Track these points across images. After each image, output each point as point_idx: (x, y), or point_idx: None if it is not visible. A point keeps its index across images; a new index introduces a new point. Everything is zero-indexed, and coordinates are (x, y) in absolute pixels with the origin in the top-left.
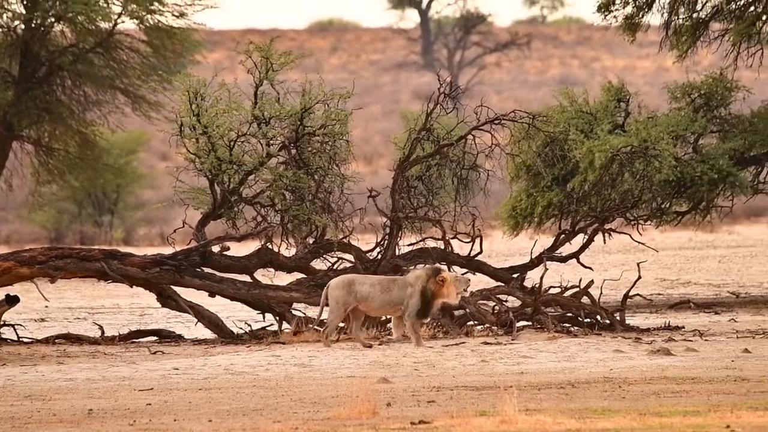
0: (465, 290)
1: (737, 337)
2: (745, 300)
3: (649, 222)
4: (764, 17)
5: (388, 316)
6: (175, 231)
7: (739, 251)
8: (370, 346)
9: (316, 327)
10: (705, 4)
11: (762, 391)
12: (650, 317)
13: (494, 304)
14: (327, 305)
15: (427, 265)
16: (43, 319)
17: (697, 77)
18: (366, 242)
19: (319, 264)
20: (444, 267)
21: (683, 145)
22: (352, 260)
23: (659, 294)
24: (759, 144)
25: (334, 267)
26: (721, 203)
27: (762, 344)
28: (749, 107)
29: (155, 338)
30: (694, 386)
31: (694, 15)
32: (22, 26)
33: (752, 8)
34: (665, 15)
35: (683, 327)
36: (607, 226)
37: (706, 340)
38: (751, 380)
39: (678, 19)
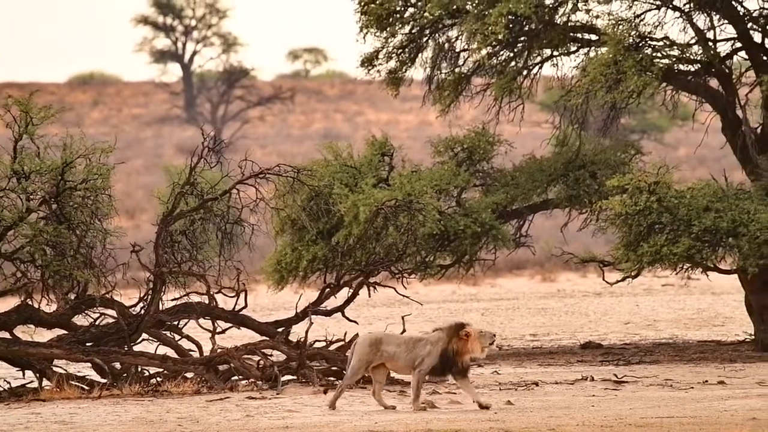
0: (491, 344)
1: (500, 390)
2: (507, 352)
3: (413, 275)
4: (525, 72)
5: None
6: None
7: (501, 304)
8: (394, 408)
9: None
10: (467, 59)
11: None
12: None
13: (259, 358)
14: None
15: (450, 323)
16: None
17: (459, 131)
18: (129, 297)
19: (80, 320)
20: (469, 322)
21: (447, 199)
22: (115, 316)
23: None
24: (521, 198)
25: (96, 323)
26: (484, 256)
27: (524, 396)
28: (511, 161)
29: None
30: None
31: (457, 70)
32: None
33: (513, 63)
34: (428, 70)
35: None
36: (371, 280)
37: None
38: None
39: (440, 73)
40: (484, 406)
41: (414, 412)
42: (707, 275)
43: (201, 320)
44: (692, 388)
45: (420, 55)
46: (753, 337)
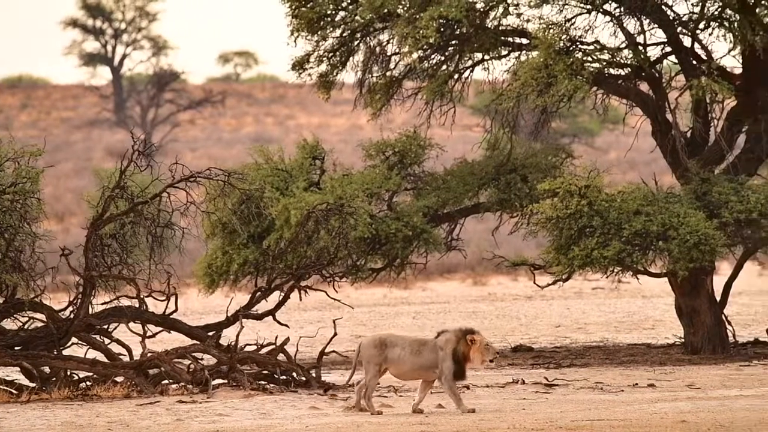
0: (491, 361)
1: (431, 393)
2: None
3: (344, 279)
4: (456, 76)
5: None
6: None
7: (433, 307)
8: (380, 413)
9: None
10: (398, 62)
11: None
12: (346, 374)
13: (189, 362)
14: (359, 365)
15: (457, 327)
16: None
17: (391, 135)
18: (59, 301)
19: (9, 324)
20: (478, 330)
21: (378, 203)
22: (44, 320)
23: (354, 351)
24: (452, 201)
25: (25, 327)
26: (415, 260)
27: None
28: (442, 165)
29: None
30: None
31: (388, 73)
32: None
33: (444, 67)
34: (359, 73)
35: (378, 383)
36: (303, 284)
37: (400, 395)
38: None
39: (372, 77)
40: (469, 411)
41: (462, 414)
42: (637, 279)
43: (131, 324)
44: (622, 391)
45: (351, 58)
46: (683, 340)
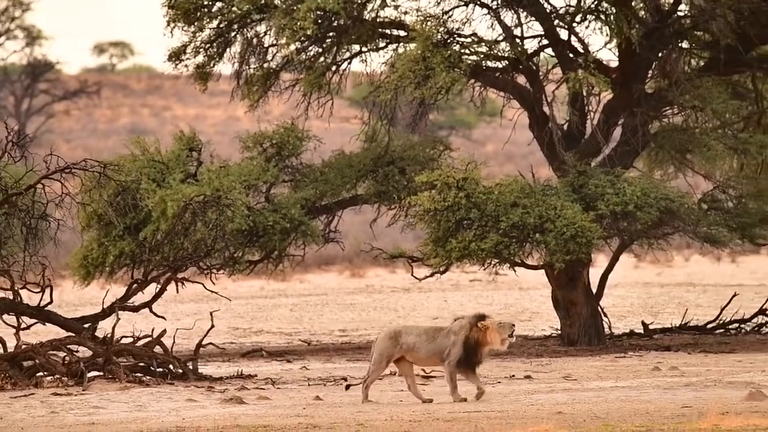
0: (510, 335)
1: (309, 385)
2: (316, 348)
3: (221, 271)
4: (334, 68)
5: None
6: None
7: (310, 299)
8: (430, 401)
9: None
10: (275, 54)
11: None
12: (223, 366)
13: (65, 354)
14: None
15: (472, 313)
16: None
17: (268, 127)
18: None
19: None
20: (488, 314)
21: (255, 194)
22: None
23: (232, 343)
24: (330, 193)
25: None
26: (293, 252)
27: (333, 392)
28: (320, 157)
29: None
30: None
31: (265, 65)
32: None
33: (322, 59)
34: (236, 65)
35: (256, 375)
36: (179, 276)
37: (278, 388)
38: (323, 427)
39: (249, 68)
40: (461, 400)
41: (454, 402)
42: (515, 271)
43: (5, 316)
44: (499, 382)
45: (228, 49)
46: (559, 332)
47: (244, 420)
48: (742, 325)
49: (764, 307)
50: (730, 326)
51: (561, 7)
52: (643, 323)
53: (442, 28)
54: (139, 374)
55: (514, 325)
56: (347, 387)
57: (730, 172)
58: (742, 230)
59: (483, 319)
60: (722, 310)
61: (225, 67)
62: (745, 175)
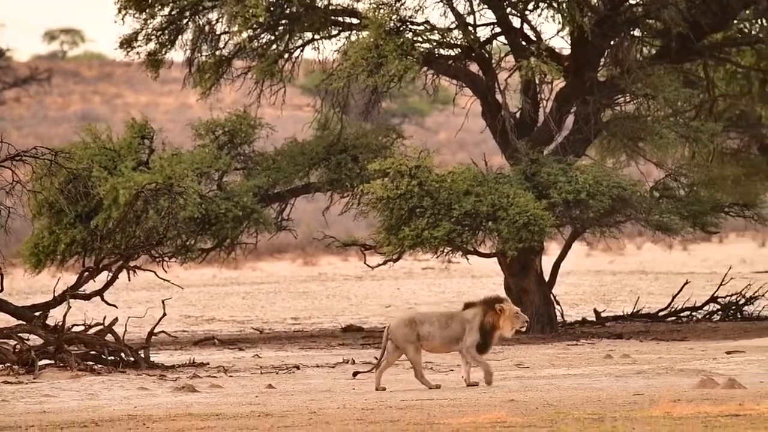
0: (521, 328)
1: (261, 373)
2: (268, 336)
3: (173, 259)
4: (286, 56)
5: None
6: None
7: (263, 287)
8: (384, 389)
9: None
10: (228, 42)
11: (285, 426)
12: (175, 354)
13: (15, 342)
14: (387, 347)
15: (487, 296)
16: None
17: (220, 114)
18: None
19: None
20: (506, 297)
21: (208, 182)
22: None
23: (184, 331)
24: (282, 181)
25: None
26: (245, 240)
27: (285, 380)
28: (273, 144)
29: None
30: (219, 422)
31: (217, 52)
32: None
33: (274, 47)
34: (188, 52)
35: (208, 363)
36: (131, 264)
37: (230, 376)
38: (275, 415)
39: (201, 56)
40: (486, 382)
41: (489, 385)
42: (467, 259)
43: None
44: (452, 370)
45: (180, 37)
46: None
47: (196, 408)
48: (694, 313)
49: (715, 295)
50: (682, 314)
51: None
52: (596, 311)
53: (394, 16)
54: (91, 363)
55: (528, 320)
56: (354, 374)
57: (682, 160)
58: (693, 218)
59: (500, 302)
60: (674, 298)
61: (177, 55)
62: (696, 163)
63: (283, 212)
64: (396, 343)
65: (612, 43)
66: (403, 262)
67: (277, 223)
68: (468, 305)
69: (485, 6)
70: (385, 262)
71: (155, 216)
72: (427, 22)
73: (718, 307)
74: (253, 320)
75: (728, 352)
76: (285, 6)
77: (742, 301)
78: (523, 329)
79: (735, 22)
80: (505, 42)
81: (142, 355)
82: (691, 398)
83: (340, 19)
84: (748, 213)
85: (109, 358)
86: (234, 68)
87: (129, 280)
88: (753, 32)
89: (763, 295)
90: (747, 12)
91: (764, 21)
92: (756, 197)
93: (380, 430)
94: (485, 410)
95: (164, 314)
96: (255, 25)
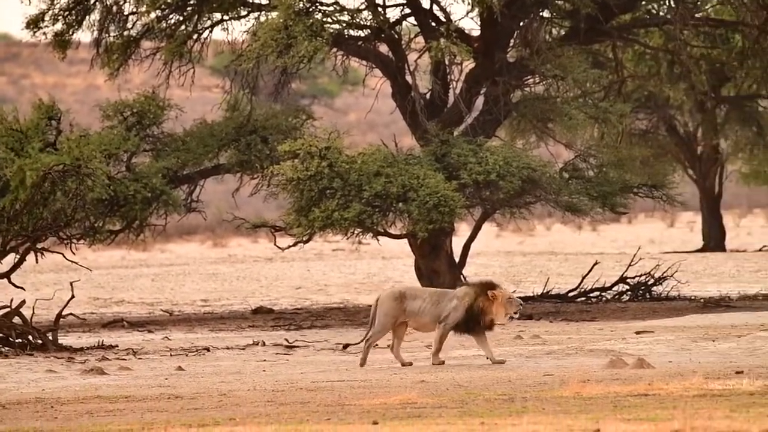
0: (515, 313)
1: (171, 355)
2: (178, 318)
3: (82, 241)
4: (195, 36)
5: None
6: None
7: (172, 269)
8: (410, 364)
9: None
10: (136, 22)
11: (194, 408)
12: (84, 336)
13: None
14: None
15: (481, 280)
16: None
17: (129, 95)
18: None
19: None
20: (499, 283)
21: (116, 164)
22: None
23: (93, 313)
24: (192, 162)
25: None
26: (154, 222)
27: (195, 362)
28: (182, 126)
29: None
30: (128, 405)
31: (125, 33)
32: None
33: (183, 27)
34: (96, 33)
35: (117, 346)
36: (39, 246)
37: (139, 358)
38: (185, 397)
39: (109, 36)
40: (498, 362)
41: (433, 365)
42: (378, 240)
43: None
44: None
45: (87, 17)
46: None
47: (105, 391)
48: (603, 294)
49: (624, 276)
50: (591, 294)
51: None
52: None
53: None
54: None
55: (522, 304)
56: (345, 347)
57: (591, 141)
58: (602, 199)
59: (493, 288)
60: (583, 278)
61: (84, 35)
62: (605, 144)
63: (193, 194)
64: (378, 311)
65: (521, 24)
66: (314, 243)
67: (186, 204)
68: (462, 285)
69: None
70: (295, 244)
71: (63, 198)
72: (336, 2)
73: (627, 287)
74: (163, 302)
75: (637, 332)
76: None
77: (651, 281)
78: (517, 315)
79: (643, 3)
80: (415, 23)
81: (50, 338)
82: (601, 378)
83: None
84: (657, 194)
85: (17, 340)
86: (142, 49)
87: (36, 262)
88: (661, 13)
89: (671, 276)
90: None
91: (672, 2)
92: (664, 178)
93: (291, 411)
94: (396, 391)
95: (72, 296)
96: (163, 5)
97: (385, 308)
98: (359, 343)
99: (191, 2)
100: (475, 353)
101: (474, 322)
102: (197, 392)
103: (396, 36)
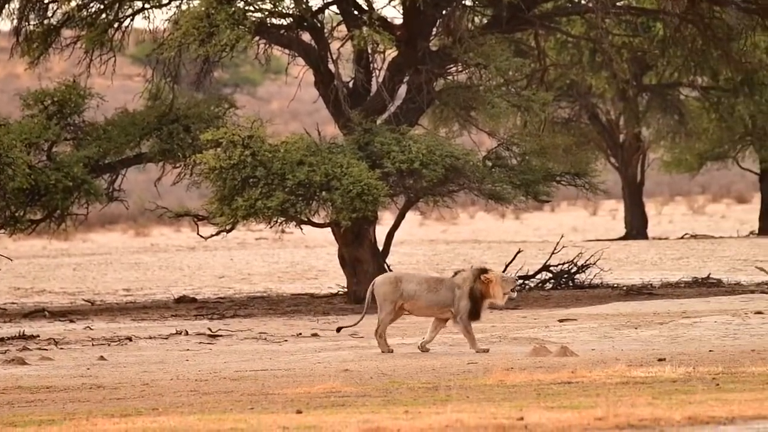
0: (512, 291)
1: (93, 345)
2: (100, 307)
3: (2, 230)
4: (116, 25)
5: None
6: None
7: (94, 259)
8: (391, 351)
9: (355, 328)
10: (56, 10)
11: (117, 398)
12: (4, 327)
13: None
14: (371, 305)
15: (473, 266)
16: None
17: (49, 84)
18: None
19: None
20: (491, 266)
21: (37, 153)
22: None
23: (13, 303)
24: (113, 151)
25: None
26: (76, 211)
27: (117, 351)
28: (103, 114)
29: None
30: (49, 395)
31: (46, 21)
32: None
33: (104, 16)
34: (15, 21)
35: (38, 336)
36: None
37: (61, 348)
38: (107, 387)
39: (29, 25)
40: (482, 350)
41: (476, 353)
42: (301, 229)
43: None
44: (286, 341)
45: (7, 5)
46: (346, 289)
47: (26, 381)
48: (527, 282)
49: (548, 264)
50: None
51: None
52: None
53: None
54: None
55: (517, 280)
56: (338, 329)
57: (514, 129)
58: (525, 187)
59: (485, 272)
60: (507, 266)
61: (4, 24)
62: (528, 132)
63: (114, 183)
64: (377, 299)
65: (444, 12)
66: (237, 232)
67: (108, 193)
68: (457, 273)
69: None
70: (218, 233)
71: None
72: None
73: (551, 275)
74: (85, 292)
75: (560, 320)
76: None
77: (574, 269)
78: (515, 294)
79: None
80: (338, 11)
81: None
82: (525, 366)
83: None
84: (580, 182)
85: None
86: (63, 37)
87: None
88: (583, 2)
89: (594, 263)
90: None
91: None
92: (587, 166)
93: (214, 401)
94: (320, 380)
95: None
96: None
97: (383, 292)
98: (353, 326)
99: None
100: (399, 341)
101: (479, 306)
102: (120, 382)
103: (318, 24)
